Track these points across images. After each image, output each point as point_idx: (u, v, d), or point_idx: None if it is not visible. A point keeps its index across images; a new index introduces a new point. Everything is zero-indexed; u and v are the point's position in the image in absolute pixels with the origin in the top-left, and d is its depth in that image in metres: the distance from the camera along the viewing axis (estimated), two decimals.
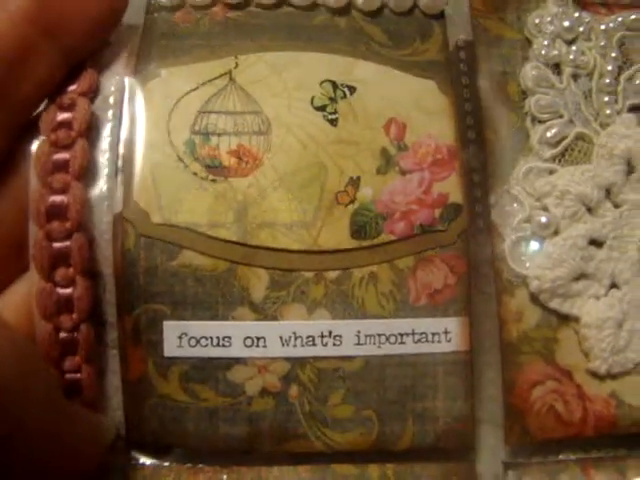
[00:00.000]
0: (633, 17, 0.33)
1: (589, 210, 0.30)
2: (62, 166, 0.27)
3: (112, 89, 0.29)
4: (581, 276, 0.30)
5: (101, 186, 0.28)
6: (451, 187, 0.30)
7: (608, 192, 0.31)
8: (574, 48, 0.32)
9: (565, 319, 0.29)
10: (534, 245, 0.30)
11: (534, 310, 0.29)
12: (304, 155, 0.29)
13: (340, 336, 0.28)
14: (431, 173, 0.30)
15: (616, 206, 0.31)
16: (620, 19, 0.33)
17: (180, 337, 0.28)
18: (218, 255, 0.28)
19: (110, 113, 0.28)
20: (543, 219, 0.30)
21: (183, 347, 0.28)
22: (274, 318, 0.28)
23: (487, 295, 0.30)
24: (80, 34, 0.27)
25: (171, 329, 0.28)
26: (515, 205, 0.30)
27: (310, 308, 0.28)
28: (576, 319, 0.29)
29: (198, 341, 0.28)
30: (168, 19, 0.31)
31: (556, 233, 0.30)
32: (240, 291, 0.28)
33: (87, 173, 0.27)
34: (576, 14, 0.33)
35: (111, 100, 0.29)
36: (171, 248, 0.28)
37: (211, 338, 0.28)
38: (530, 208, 0.30)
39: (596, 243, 0.30)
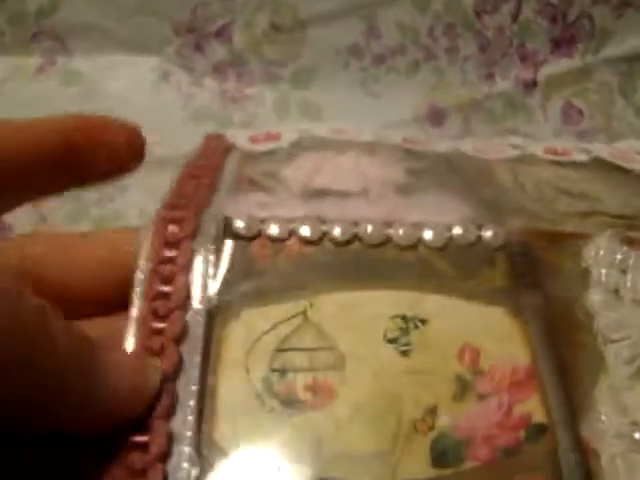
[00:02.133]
0: None
1: None
2: None
3: (197, 332, 0.31)
4: None
5: (183, 419, 0.28)
6: (533, 407, 0.29)
7: None
8: (630, 276, 0.34)
9: None
10: (631, 460, 0.28)
11: None
12: (378, 386, 0.30)
13: None
14: (510, 394, 0.29)
15: None
16: None
17: None
18: None
19: (196, 357, 0.30)
20: (637, 435, 0.29)
21: None
22: None
23: None
24: None
25: None
26: (603, 420, 0.29)
27: None
28: None
29: None
30: (246, 251, 0.33)
31: None
32: None
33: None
34: (624, 248, 0.35)
35: (197, 344, 0.31)
36: None
37: None
38: (619, 424, 0.29)
39: None
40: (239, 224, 0.34)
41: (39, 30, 0.58)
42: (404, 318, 0.32)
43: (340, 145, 0.46)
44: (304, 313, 0.32)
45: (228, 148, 0.47)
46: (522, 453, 0.28)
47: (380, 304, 0.32)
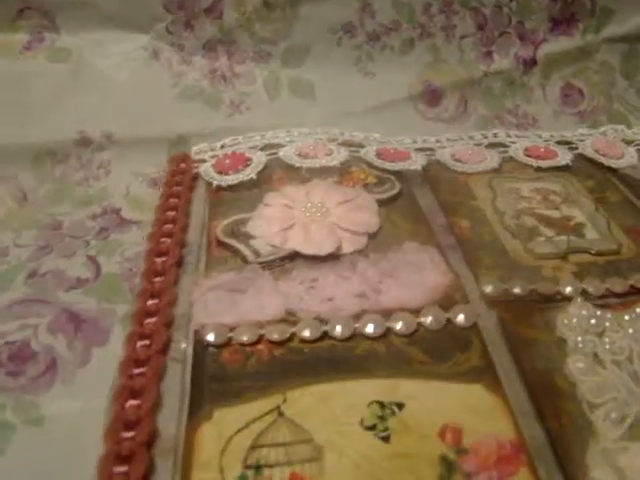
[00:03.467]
0: None
1: None
2: None
3: (170, 433, 0.30)
4: None
5: None
6: None
7: None
8: (607, 339, 0.33)
9: None
10: None
11: None
12: (360, 476, 0.28)
13: None
14: (498, 471, 0.28)
15: None
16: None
17: None
18: None
19: (169, 457, 0.29)
20: None
21: None
22: None
23: None
24: None
25: None
26: None
27: None
28: None
29: None
30: (216, 359, 0.33)
31: None
32: None
33: None
34: (598, 313, 0.35)
35: (169, 446, 0.29)
36: None
37: None
38: None
39: None
40: (210, 337, 0.34)
41: (26, 6, 0.54)
42: (381, 404, 0.31)
43: (308, 177, 0.47)
44: (278, 409, 0.31)
45: (193, 180, 0.48)
46: None
47: (355, 393, 0.31)
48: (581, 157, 0.51)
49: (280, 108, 0.58)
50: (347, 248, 0.40)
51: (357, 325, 0.35)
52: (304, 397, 0.31)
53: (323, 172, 0.47)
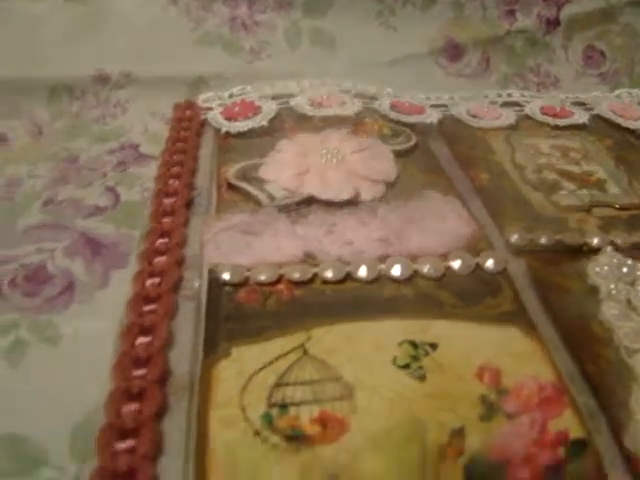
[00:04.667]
0: None
1: None
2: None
3: (184, 371, 0.27)
4: None
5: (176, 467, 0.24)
6: (568, 423, 0.26)
7: None
8: (639, 288, 0.32)
9: None
10: None
11: None
12: (395, 414, 0.26)
13: None
14: (542, 412, 0.26)
15: None
16: None
17: None
18: None
19: (183, 396, 0.26)
20: None
21: None
22: None
23: None
24: None
25: None
26: None
27: None
28: None
29: None
30: (232, 298, 0.31)
31: None
32: None
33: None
34: (629, 262, 0.33)
35: (183, 383, 0.27)
36: None
37: None
38: None
39: None
40: (225, 275, 0.32)
41: None
42: (413, 344, 0.29)
43: (322, 125, 0.44)
44: (302, 347, 0.29)
45: (201, 126, 0.45)
46: (567, 470, 0.24)
47: (384, 333, 0.29)
48: (598, 117, 0.50)
49: (300, 57, 0.57)
50: (365, 195, 0.38)
51: (382, 267, 0.33)
52: (329, 335, 0.29)
53: (336, 122, 0.45)
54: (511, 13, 0.59)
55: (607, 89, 0.59)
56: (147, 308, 0.30)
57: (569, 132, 0.48)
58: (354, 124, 0.45)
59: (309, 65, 0.56)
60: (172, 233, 0.35)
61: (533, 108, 0.50)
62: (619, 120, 0.49)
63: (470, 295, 0.32)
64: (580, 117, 0.49)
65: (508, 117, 0.48)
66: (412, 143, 0.44)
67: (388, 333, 0.29)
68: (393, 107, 0.47)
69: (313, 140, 0.42)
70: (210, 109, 0.47)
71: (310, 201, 0.38)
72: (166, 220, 0.36)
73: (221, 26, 0.56)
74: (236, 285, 0.32)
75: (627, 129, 0.49)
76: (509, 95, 0.52)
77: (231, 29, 0.56)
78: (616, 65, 0.60)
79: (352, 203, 0.38)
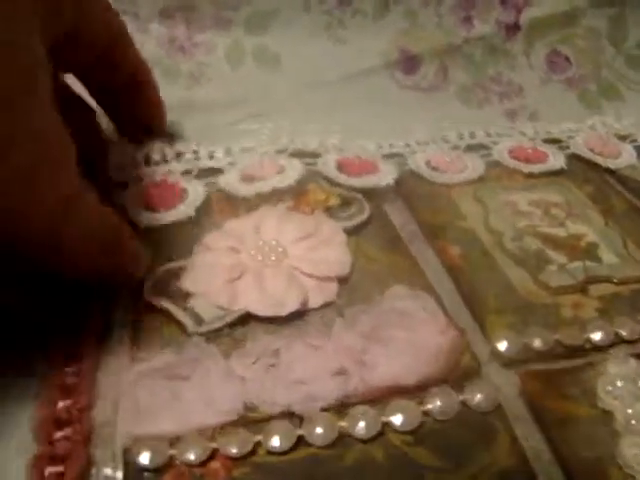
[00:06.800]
0: None
1: None
2: None
3: None
4: None
5: None
6: None
7: None
8: None
9: None
10: None
11: None
12: None
13: None
14: None
15: None
16: None
17: None
18: None
19: None
20: None
21: None
22: None
23: None
24: None
25: None
26: None
27: None
28: None
29: None
30: None
31: None
32: None
33: None
34: None
35: None
36: None
37: None
38: None
39: None
40: (143, 459, 0.25)
41: None
42: None
43: (257, 203, 0.37)
44: None
45: None
46: None
47: None
48: (574, 157, 0.43)
49: (244, 79, 0.51)
50: (314, 301, 0.31)
51: (343, 424, 0.26)
52: None
53: (274, 195, 0.38)
54: (468, 20, 0.53)
55: (574, 96, 0.53)
56: None
57: (546, 179, 0.41)
58: (295, 195, 0.38)
59: (253, 87, 0.50)
60: (76, 389, 0.28)
61: (501, 151, 0.43)
62: (598, 159, 0.43)
63: (457, 450, 0.25)
64: (555, 161, 0.42)
65: (475, 168, 0.41)
66: (366, 215, 0.36)
67: None
68: (341, 167, 0.40)
69: (246, 226, 0.34)
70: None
71: (246, 318, 0.30)
72: (69, 370, 0.29)
73: (158, 49, 0.50)
74: (158, 470, 0.25)
75: (607, 169, 0.42)
76: (472, 136, 0.44)
77: (168, 52, 0.50)
78: (582, 70, 0.54)
79: (299, 314, 0.30)
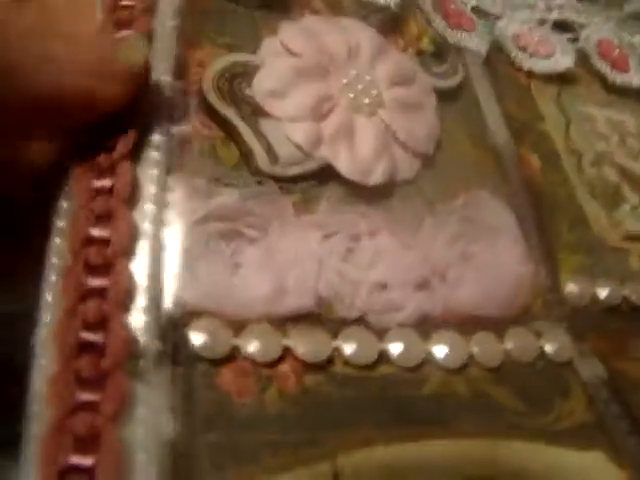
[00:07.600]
0: None
1: None
2: None
3: None
4: None
5: None
6: None
7: None
8: None
9: None
10: None
11: None
12: None
13: None
14: None
15: None
16: None
17: None
18: None
19: None
20: None
21: None
22: None
23: None
24: None
25: None
26: None
27: None
28: None
29: None
30: (210, 382, 0.20)
31: None
32: None
33: None
34: None
35: None
36: None
37: None
38: None
39: None
40: (199, 342, 0.20)
41: None
42: None
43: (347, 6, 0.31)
44: None
45: None
46: None
47: (439, 465, 0.21)
48: None
49: None
50: (400, 174, 0.26)
51: (425, 347, 0.23)
52: (368, 466, 0.20)
53: (365, 6, 0.30)
54: None
55: None
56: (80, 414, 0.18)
57: (619, 99, 0.37)
58: (388, 19, 0.31)
59: None
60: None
61: (589, 41, 0.37)
62: None
63: (536, 396, 0.23)
64: (635, 75, 0.37)
65: (564, 56, 0.35)
66: (459, 79, 0.31)
67: (444, 464, 0.21)
68: (438, 8, 0.33)
69: (335, 39, 0.27)
70: None
71: (326, 176, 0.25)
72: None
73: None
74: (218, 362, 0.21)
75: None
76: (560, 9, 0.38)
77: None
78: None
79: (384, 192, 0.26)
